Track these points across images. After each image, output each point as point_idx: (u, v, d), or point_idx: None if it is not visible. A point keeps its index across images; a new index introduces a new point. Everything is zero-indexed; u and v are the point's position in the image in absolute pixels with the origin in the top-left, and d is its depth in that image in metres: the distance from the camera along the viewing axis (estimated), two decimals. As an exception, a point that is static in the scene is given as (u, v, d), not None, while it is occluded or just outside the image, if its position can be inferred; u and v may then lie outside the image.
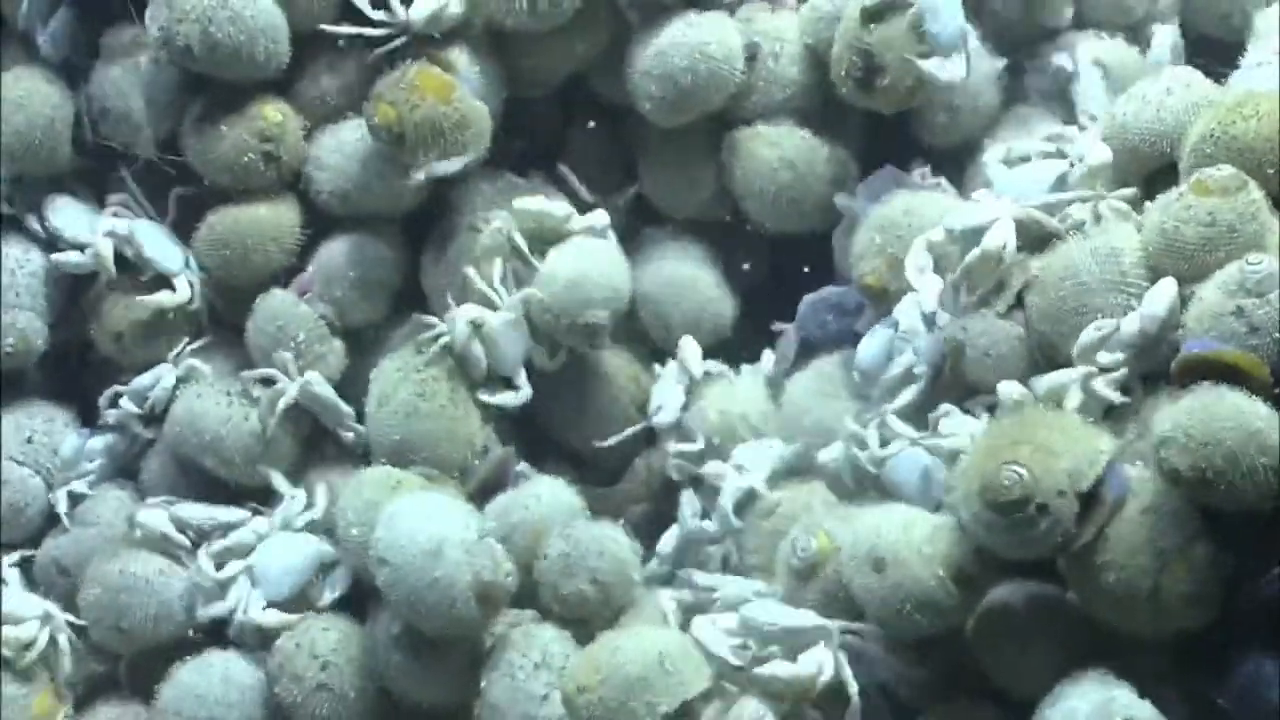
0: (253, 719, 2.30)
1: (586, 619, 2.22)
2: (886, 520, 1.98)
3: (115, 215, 2.48)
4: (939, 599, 1.91)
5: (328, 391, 2.39)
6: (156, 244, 2.47)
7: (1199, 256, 1.93)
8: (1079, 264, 2.02)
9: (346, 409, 2.40)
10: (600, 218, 2.40)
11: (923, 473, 2.10)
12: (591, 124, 2.57)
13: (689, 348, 2.43)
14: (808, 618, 2.01)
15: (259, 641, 2.31)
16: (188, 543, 2.37)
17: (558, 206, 2.39)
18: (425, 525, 2.15)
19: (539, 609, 2.26)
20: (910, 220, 2.26)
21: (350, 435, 2.41)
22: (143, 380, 2.47)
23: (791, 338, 2.39)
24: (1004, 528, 1.84)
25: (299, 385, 2.39)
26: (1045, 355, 2.04)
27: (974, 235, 2.10)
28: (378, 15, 2.37)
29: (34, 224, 2.51)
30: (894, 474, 2.13)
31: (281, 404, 2.37)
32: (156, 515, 2.38)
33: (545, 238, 2.38)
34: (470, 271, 2.37)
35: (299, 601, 2.31)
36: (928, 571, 1.91)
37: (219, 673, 2.31)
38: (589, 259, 2.36)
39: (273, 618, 2.30)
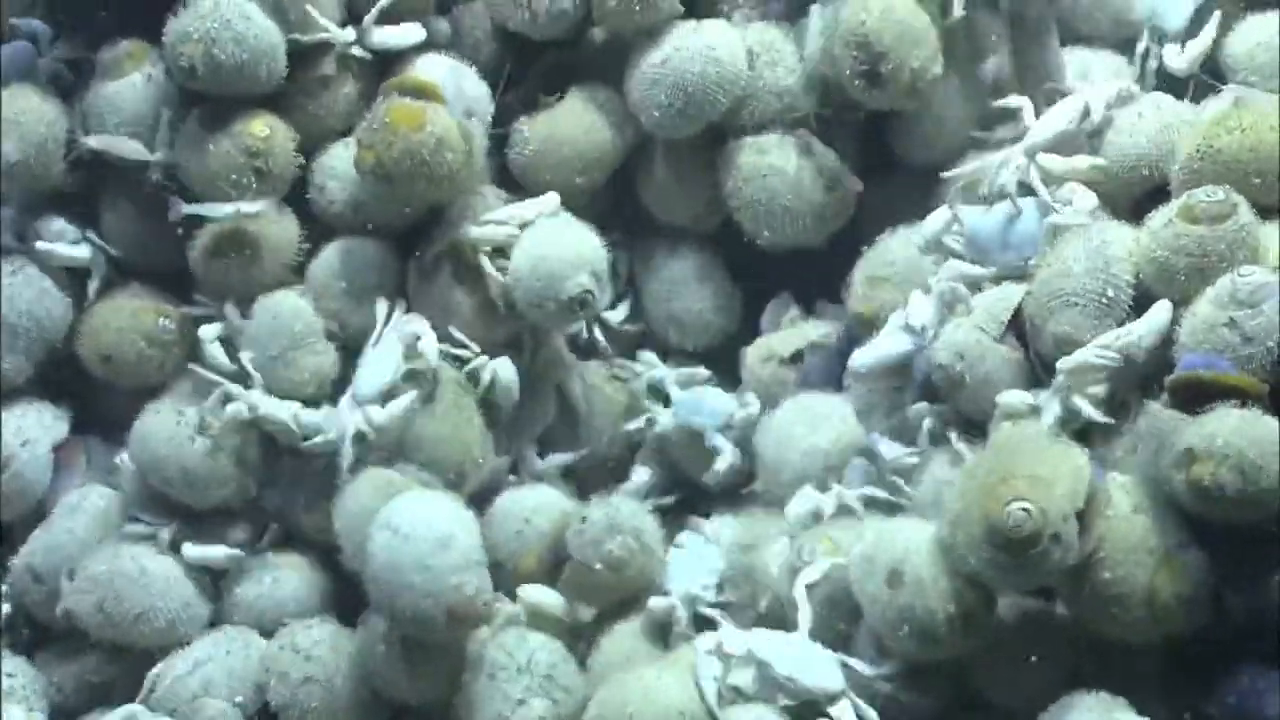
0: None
1: (626, 576, 2.24)
2: (916, 536, 1.96)
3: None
4: (941, 634, 1.91)
5: (276, 410, 2.36)
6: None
7: (1191, 283, 1.95)
8: (1070, 253, 2.04)
9: (296, 429, 2.36)
10: (550, 201, 2.39)
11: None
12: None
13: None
14: (823, 675, 1.98)
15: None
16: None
17: (507, 228, 2.37)
18: (426, 530, 2.13)
19: (574, 574, 2.27)
20: (906, 252, 2.30)
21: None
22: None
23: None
24: (1017, 567, 1.84)
25: (250, 401, 2.35)
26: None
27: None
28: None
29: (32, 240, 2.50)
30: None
31: (229, 411, 2.35)
32: (199, 551, 2.40)
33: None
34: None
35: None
36: (940, 604, 1.91)
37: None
38: (548, 240, 2.34)
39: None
